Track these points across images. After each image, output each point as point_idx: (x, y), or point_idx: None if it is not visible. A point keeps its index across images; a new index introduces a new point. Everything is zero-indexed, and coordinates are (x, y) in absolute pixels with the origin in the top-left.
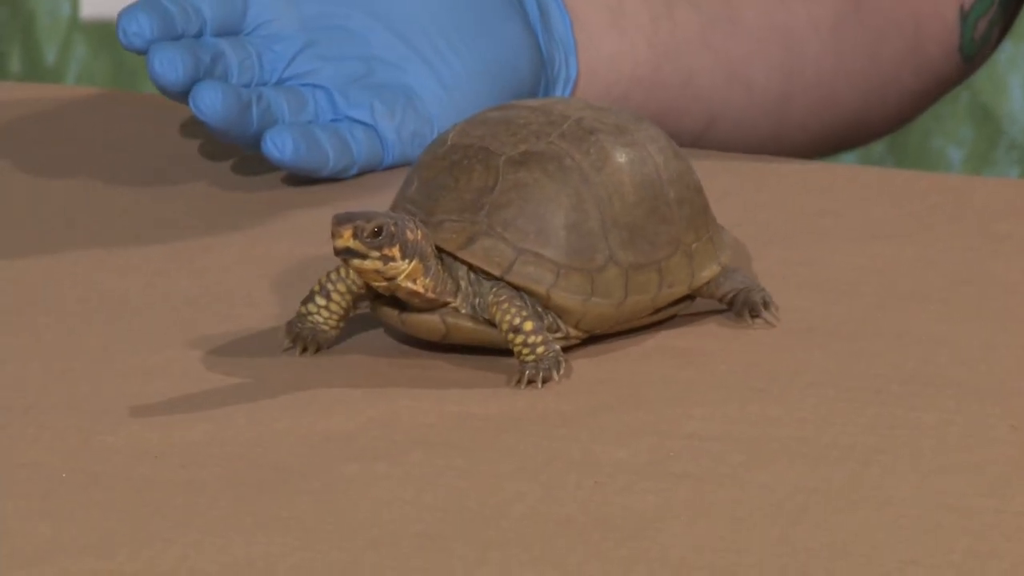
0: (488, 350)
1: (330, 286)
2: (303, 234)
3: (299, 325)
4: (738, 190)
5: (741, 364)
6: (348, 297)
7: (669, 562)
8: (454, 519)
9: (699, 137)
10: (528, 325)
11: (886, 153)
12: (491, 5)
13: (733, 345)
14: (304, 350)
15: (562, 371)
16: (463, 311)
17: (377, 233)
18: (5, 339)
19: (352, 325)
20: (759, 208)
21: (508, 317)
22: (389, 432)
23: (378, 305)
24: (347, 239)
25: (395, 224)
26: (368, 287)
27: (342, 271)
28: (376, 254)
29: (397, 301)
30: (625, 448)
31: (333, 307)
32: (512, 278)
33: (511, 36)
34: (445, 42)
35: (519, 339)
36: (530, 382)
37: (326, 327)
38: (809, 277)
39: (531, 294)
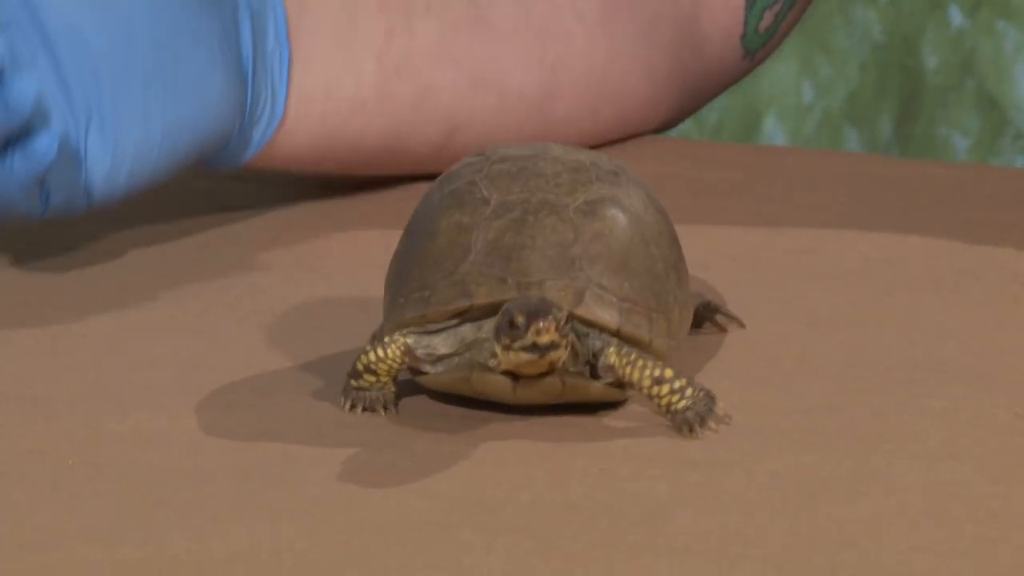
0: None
1: (372, 366)
2: (309, 223)
3: (357, 394)
4: (743, 181)
5: (747, 353)
6: (389, 374)
7: (676, 550)
8: (461, 506)
9: (439, 149)
10: (669, 373)
11: (892, 141)
12: (197, 53)
13: (738, 334)
14: (373, 410)
15: (719, 406)
16: (572, 369)
17: (567, 322)
18: (12, 330)
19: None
20: (764, 198)
21: (647, 372)
22: (396, 420)
23: (481, 377)
24: (552, 333)
25: (561, 309)
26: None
27: (382, 352)
28: (565, 342)
29: (508, 372)
30: (632, 436)
31: (383, 379)
32: (625, 330)
33: (208, 91)
34: (130, 100)
35: (665, 389)
36: (693, 429)
37: (383, 389)
38: (815, 266)
39: (635, 344)
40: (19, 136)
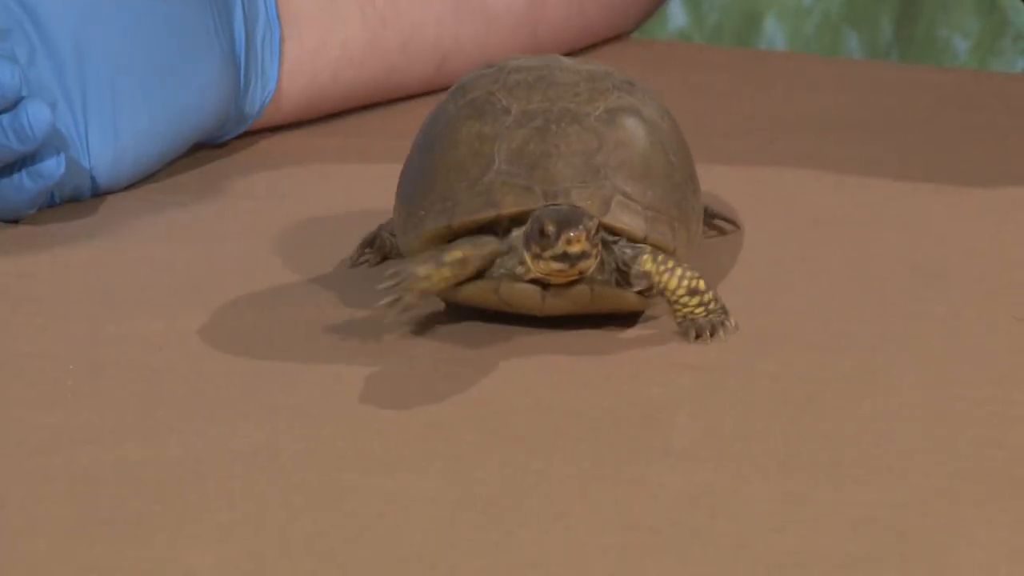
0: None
1: (445, 258)
2: (312, 134)
3: (401, 282)
4: (745, 87)
5: (748, 255)
6: (450, 282)
7: (675, 451)
8: (462, 410)
9: (431, 80)
10: (703, 284)
11: (891, 43)
12: (193, 40)
13: (740, 236)
14: (399, 303)
15: (731, 318)
16: (600, 278)
17: (597, 231)
18: (10, 232)
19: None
20: (768, 104)
21: (685, 282)
22: (400, 329)
23: (509, 287)
24: (583, 243)
25: (592, 218)
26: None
27: (445, 256)
28: (595, 251)
29: (535, 281)
30: (631, 339)
31: (435, 279)
32: (651, 238)
33: (204, 79)
34: (131, 95)
35: (695, 300)
36: (700, 336)
37: (436, 284)
38: (817, 170)
39: (656, 246)
40: (29, 156)
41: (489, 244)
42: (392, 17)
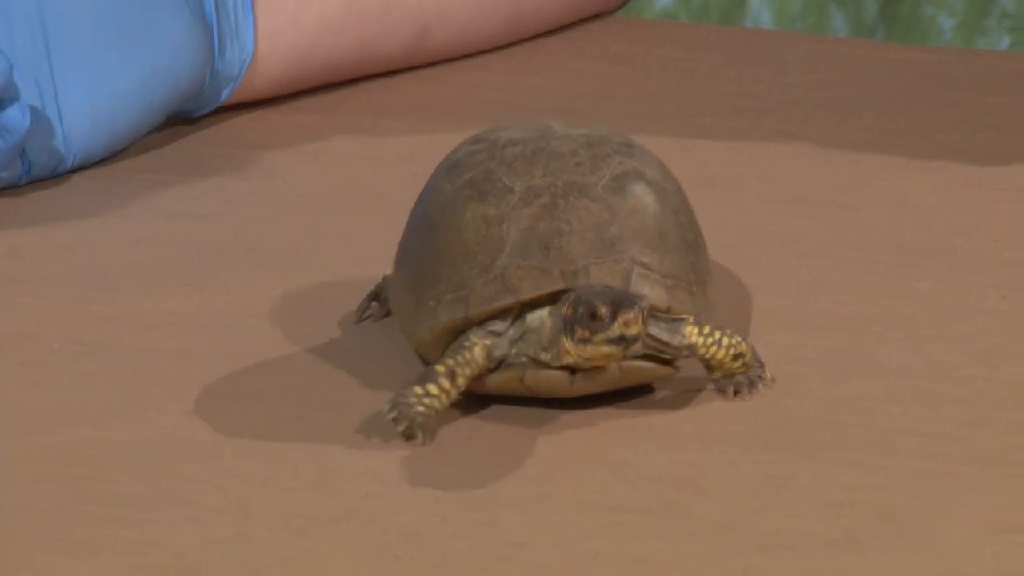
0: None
1: (457, 369)
2: (296, 110)
3: (409, 408)
4: (731, 64)
5: (733, 233)
6: (470, 381)
7: (659, 432)
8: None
9: (413, 51)
10: (745, 347)
11: (877, 21)
12: (159, 2)
13: (724, 217)
14: (413, 437)
15: (767, 371)
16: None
17: (648, 311)
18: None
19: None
20: (753, 82)
21: (732, 350)
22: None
23: (535, 374)
24: (640, 325)
25: (643, 297)
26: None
27: (467, 355)
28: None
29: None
30: None
31: (454, 392)
32: (675, 308)
33: (175, 38)
34: (99, 55)
35: (738, 363)
36: (738, 393)
37: (435, 414)
38: (802, 148)
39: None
40: None
41: (498, 347)
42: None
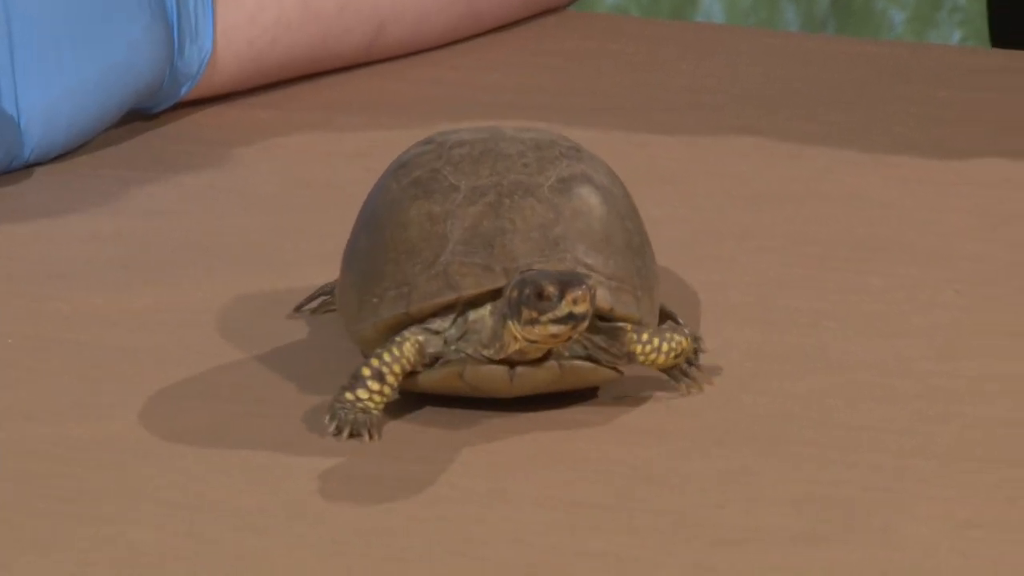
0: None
1: (384, 369)
2: (253, 106)
3: (346, 413)
4: (685, 59)
5: (688, 230)
6: (401, 378)
7: (617, 427)
8: (402, 392)
9: (369, 48)
10: (684, 343)
11: (828, 15)
12: (117, 3)
13: (678, 212)
14: (367, 436)
15: (702, 341)
16: (567, 354)
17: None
18: None
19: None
20: (707, 77)
21: (673, 355)
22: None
23: (474, 370)
24: (587, 302)
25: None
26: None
27: (396, 351)
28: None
29: (503, 360)
30: None
31: (387, 390)
32: (618, 311)
33: (133, 36)
34: (58, 52)
35: (681, 360)
36: (688, 375)
37: (376, 411)
38: (756, 143)
39: (622, 320)
40: None
41: (432, 343)
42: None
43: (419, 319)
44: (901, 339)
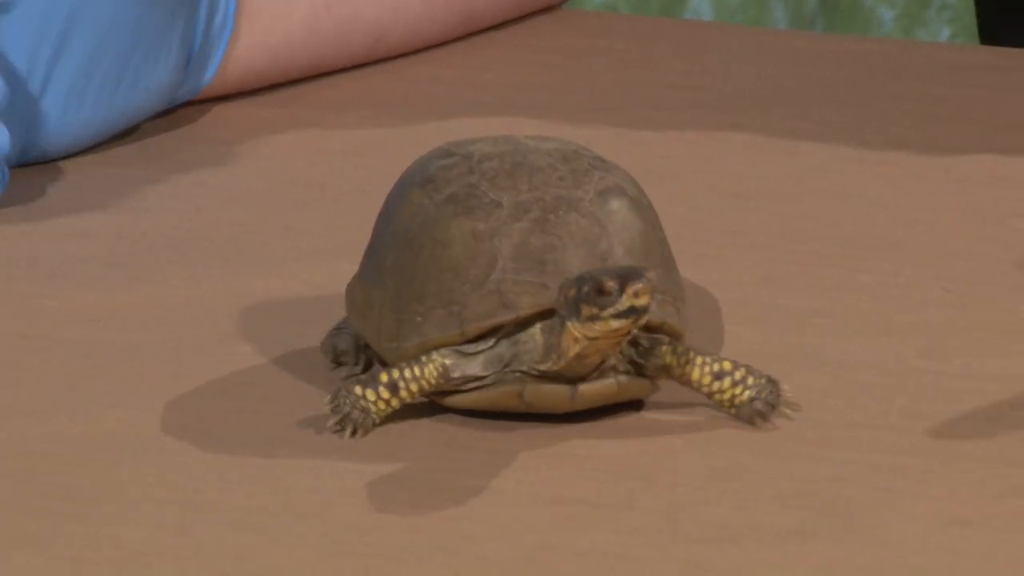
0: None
1: (401, 383)
2: (244, 104)
3: (348, 405)
4: (675, 57)
5: (677, 226)
6: (415, 397)
7: (602, 422)
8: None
9: (367, 56)
10: (727, 365)
11: (817, 12)
12: (152, 48)
13: (671, 210)
14: (351, 432)
15: (785, 388)
16: (622, 368)
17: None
18: None
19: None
20: (698, 74)
21: (707, 369)
22: (322, 294)
23: (536, 389)
24: (648, 295)
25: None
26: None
27: (417, 370)
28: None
29: (559, 378)
30: None
31: (395, 403)
32: (668, 323)
33: (155, 82)
34: (90, 90)
35: (727, 383)
36: (766, 418)
37: (376, 417)
38: (746, 140)
39: (672, 335)
40: None
41: (459, 367)
42: (336, 5)
43: (471, 339)
44: (892, 337)
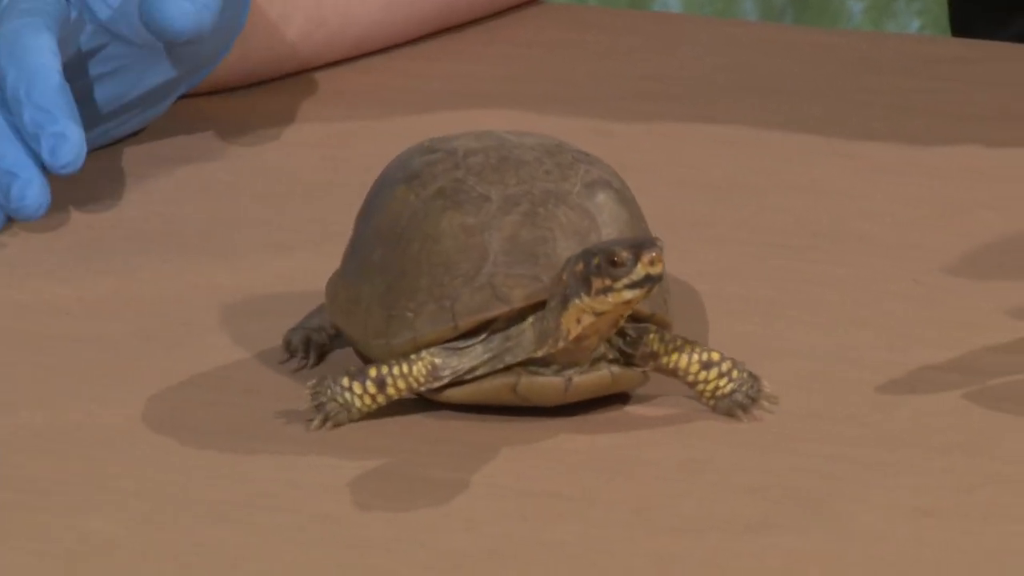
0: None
1: (389, 380)
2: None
3: (327, 397)
4: (644, 49)
5: (649, 219)
6: (402, 395)
7: (570, 415)
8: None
9: (354, 51)
10: (716, 355)
11: (786, 4)
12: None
13: (641, 202)
14: (320, 423)
15: (765, 384)
16: (611, 357)
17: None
18: None
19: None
20: (664, 65)
21: (695, 357)
22: (291, 287)
23: (530, 382)
24: (662, 263)
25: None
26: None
27: (406, 367)
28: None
29: (551, 367)
30: None
31: (380, 399)
32: (658, 316)
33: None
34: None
35: (713, 373)
36: (746, 410)
37: (357, 412)
38: (712, 132)
39: (661, 325)
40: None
41: (448, 365)
42: (330, 16)
43: (465, 334)
44: (854, 328)
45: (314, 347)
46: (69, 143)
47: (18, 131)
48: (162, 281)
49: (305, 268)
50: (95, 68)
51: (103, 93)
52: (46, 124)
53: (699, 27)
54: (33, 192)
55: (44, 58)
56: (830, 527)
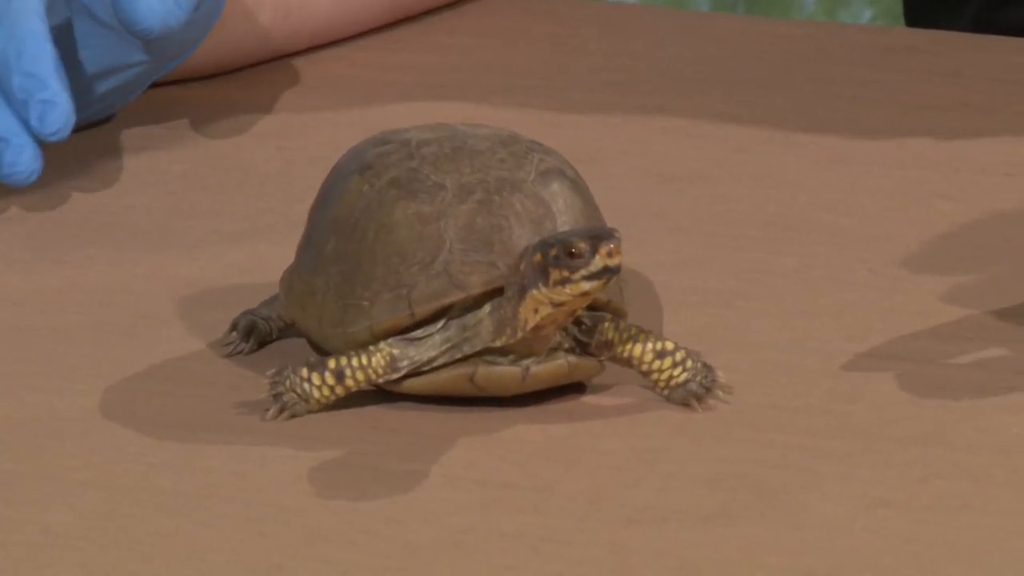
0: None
1: (347, 372)
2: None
3: (285, 389)
4: (599, 39)
5: (604, 209)
6: (360, 386)
7: (527, 406)
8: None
9: (300, 46)
10: (670, 345)
11: None
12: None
13: (596, 192)
14: (276, 413)
15: (720, 374)
16: (566, 346)
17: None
18: None
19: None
20: (621, 56)
21: (649, 346)
22: (246, 278)
23: (487, 372)
24: (620, 254)
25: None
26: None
27: (365, 359)
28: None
29: (508, 356)
30: None
31: (339, 391)
32: (613, 303)
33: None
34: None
35: (667, 363)
36: (701, 400)
37: (315, 404)
38: (670, 122)
39: (616, 313)
40: None
41: (406, 356)
42: (296, 9)
43: (421, 322)
44: (812, 318)
45: (256, 335)
46: (58, 110)
47: (8, 97)
48: (116, 272)
49: (259, 258)
50: (70, 46)
51: (75, 73)
52: (35, 90)
53: (655, 17)
54: (25, 158)
55: (34, 24)
56: (787, 517)
